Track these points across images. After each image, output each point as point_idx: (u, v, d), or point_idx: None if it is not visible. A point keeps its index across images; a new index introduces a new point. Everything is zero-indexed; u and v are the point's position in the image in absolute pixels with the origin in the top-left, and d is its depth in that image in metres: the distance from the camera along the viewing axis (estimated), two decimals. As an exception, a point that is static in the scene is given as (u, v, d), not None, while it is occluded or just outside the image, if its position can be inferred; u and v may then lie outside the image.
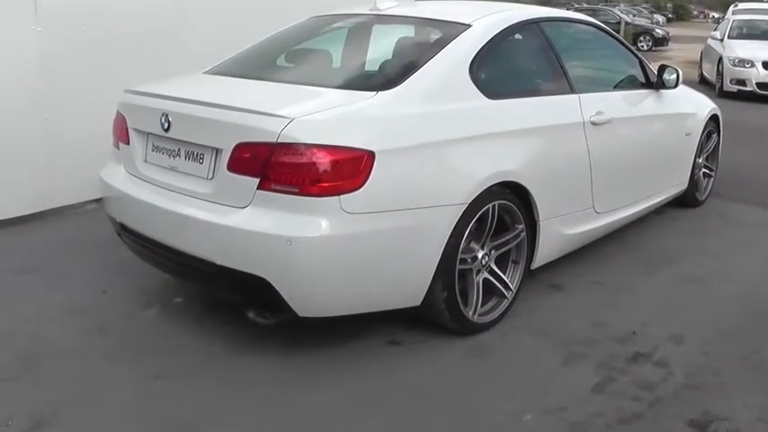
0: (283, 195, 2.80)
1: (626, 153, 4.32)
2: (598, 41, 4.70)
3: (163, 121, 3.16)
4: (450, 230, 3.11)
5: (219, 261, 2.94)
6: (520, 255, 3.57)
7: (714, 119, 5.56)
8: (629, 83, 4.74)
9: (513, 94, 3.64)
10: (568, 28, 4.58)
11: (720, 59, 12.67)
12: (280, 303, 2.90)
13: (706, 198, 5.64)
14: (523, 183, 3.44)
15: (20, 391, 2.87)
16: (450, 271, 3.16)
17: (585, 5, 34.67)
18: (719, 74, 12.64)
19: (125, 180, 3.46)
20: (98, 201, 4.29)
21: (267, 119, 2.86)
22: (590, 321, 3.55)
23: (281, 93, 3.34)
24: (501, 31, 3.70)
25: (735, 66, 12.23)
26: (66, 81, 4.93)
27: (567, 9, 16.18)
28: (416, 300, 3.15)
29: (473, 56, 3.45)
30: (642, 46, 24.15)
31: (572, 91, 3.96)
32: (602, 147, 4.00)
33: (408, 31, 4.10)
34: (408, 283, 3.11)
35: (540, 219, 3.60)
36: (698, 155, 5.32)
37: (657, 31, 26.82)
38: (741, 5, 17.66)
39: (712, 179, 5.75)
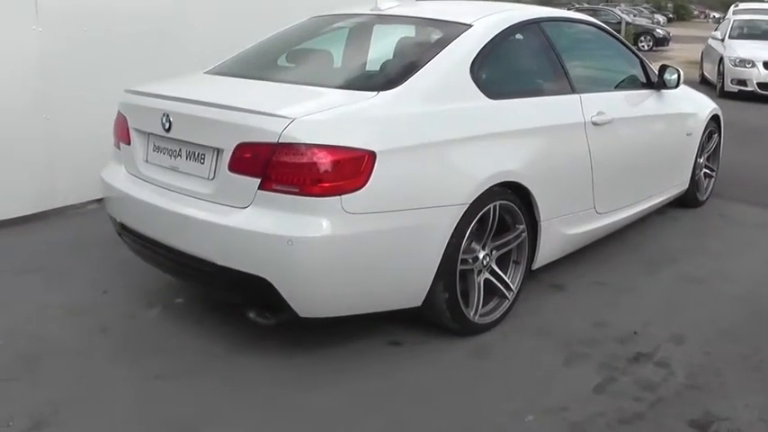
0: (284, 195, 2.80)
1: (627, 153, 4.32)
2: (599, 41, 4.69)
3: (164, 121, 3.16)
4: (452, 231, 3.11)
5: (220, 261, 2.94)
6: (521, 255, 3.57)
7: (715, 119, 5.56)
8: (630, 83, 4.73)
9: (514, 94, 3.64)
10: (569, 28, 4.58)
11: (721, 59, 12.66)
12: (280, 304, 2.90)
13: (707, 198, 5.64)
14: (524, 183, 3.44)
15: (20, 391, 2.87)
16: (452, 271, 3.16)
17: (586, 5, 34.67)
18: (720, 74, 12.63)
19: (126, 180, 3.46)
20: (99, 201, 4.29)
21: (268, 119, 2.86)
22: (591, 321, 3.55)
23: (282, 93, 3.34)
24: (502, 31, 3.70)
25: (735, 66, 12.23)
26: (67, 81, 4.93)
27: (568, 9, 16.18)
28: (417, 300, 3.15)
29: (474, 56, 3.45)
30: (643, 46, 24.14)
31: (573, 91, 3.96)
32: (604, 147, 4.00)
33: (409, 31, 4.10)
34: (409, 283, 3.11)
35: (542, 219, 3.60)
36: (699, 155, 5.32)
37: (658, 31, 26.82)
38: (742, 5, 17.65)
39: (713, 179, 5.74)
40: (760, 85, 11.97)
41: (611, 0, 43.78)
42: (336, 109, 3.00)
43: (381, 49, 3.95)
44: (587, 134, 3.90)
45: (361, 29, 4.19)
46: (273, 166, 2.81)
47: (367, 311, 3.07)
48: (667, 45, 25.45)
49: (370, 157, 2.84)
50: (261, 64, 3.88)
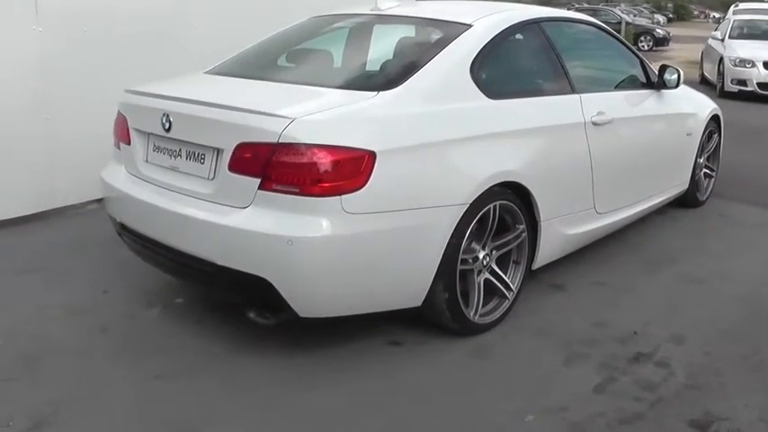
0: (284, 195, 2.80)
1: (627, 153, 4.32)
2: (599, 41, 4.69)
3: (164, 121, 3.16)
4: (452, 231, 3.11)
5: (220, 261, 2.94)
6: (521, 255, 3.57)
7: (715, 119, 5.56)
8: (630, 83, 4.73)
9: (514, 95, 3.64)
10: (569, 28, 4.58)
11: (721, 59, 12.66)
12: (280, 304, 2.90)
13: (707, 198, 5.64)
14: (524, 183, 3.44)
15: (20, 391, 2.87)
16: (452, 271, 3.16)
17: (586, 5, 34.66)
18: (720, 74, 12.63)
19: (126, 180, 3.46)
20: (99, 201, 4.29)
21: (268, 119, 2.86)
22: (591, 321, 3.55)
23: (282, 93, 3.34)
24: (502, 31, 3.70)
25: (736, 66, 12.22)
26: (67, 81, 4.93)
27: (568, 9, 16.18)
28: (417, 300, 3.15)
29: (474, 56, 3.45)
30: (643, 46, 24.14)
31: (573, 91, 3.96)
32: (604, 147, 4.00)
33: (409, 31, 4.10)
34: (409, 283, 3.11)
35: (542, 219, 3.60)
36: (699, 155, 5.32)
37: (658, 31, 26.82)
38: (742, 5, 17.64)
39: (713, 179, 5.74)
40: (760, 85, 11.96)
41: (611, 0, 43.78)
42: (336, 109, 3.00)
43: (381, 49, 3.95)
44: (587, 134, 3.90)
45: (362, 29, 4.19)
46: (273, 166, 2.81)
47: (367, 311, 3.07)
48: (667, 45, 25.46)
49: (370, 157, 2.84)
50: (261, 64, 3.88)
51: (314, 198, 2.78)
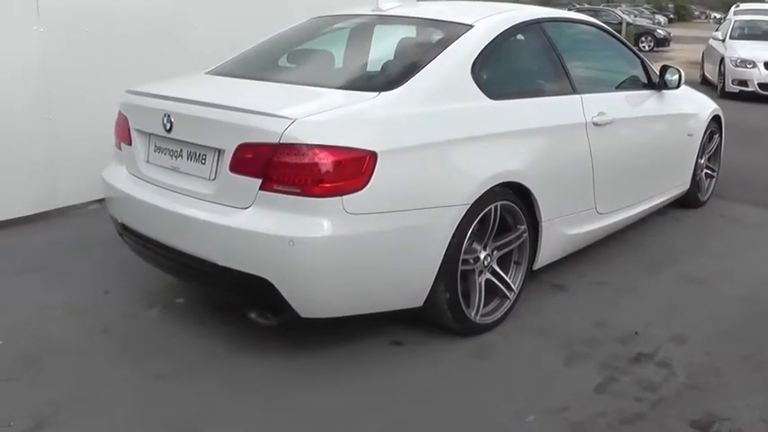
0: (286, 196, 2.80)
1: (628, 153, 4.32)
2: (600, 42, 4.70)
3: (165, 121, 3.16)
4: (453, 231, 3.11)
5: (221, 262, 2.94)
6: (522, 255, 3.57)
7: (716, 119, 5.56)
8: (631, 83, 4.73)
9: (515, 95, 3.64)
10: (570, 28, 4.58)
11: (722, 60, 12.66)
12: (282, 304, 2.90)
13: (708, 198, 5.63)
14: (526, 183, 3.44)
15: (21, 391, 2.87)
16: (453, 272, 3.16)
17: (587, 6, 34.68)
18: (721, 74, 12.63)
19: (127, 181, 3.46)
20: (100, 201, 4.30)
21: (269, 119, 2.86)
22: (592, 322, 3.55)
23: (284, 93, 3.34)
24: (503, 31, 3.70)
25: (736, 66, 12.22)
26: (68, 81, 4.93)
27: (569, 9, 16.19)
28: (419, 300, 3.15)
29: (475, 56, 3.45)
30: (644, 46, 24.13)
31: (574, 91, 3.96)
32: (605, 147, 4.00)
33: (410, 32, 4.10)
34: (411, 283, 3.11)
35: (543, 219, 3.60)
36: (700, 155, 5.32)
37: (659, 31, 26.82)
38: (743, 6, 17.64)
39: (714, 180, 5.74)
40: (761, 85, 11.96)
41: (612, 0, 43.77)
42: (337, 109, 3.00)
43: (382, 49, 3.95)
44: (588, 134, 3.90)
45: (363, 29, 4.19)
46: (275, 167, 2.81)
47: (368, 312, 3.07)
48: (668, 45, 25.45)
49: (372, 157, 2.84)
50: (262, 64, 3.89)
51: (315, 198, 2.78)
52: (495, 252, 3.42)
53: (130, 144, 3.45)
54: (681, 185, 5.16)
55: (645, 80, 4.75)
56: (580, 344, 3.32)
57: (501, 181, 3.30)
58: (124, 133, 3.50)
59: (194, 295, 3.71)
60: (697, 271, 4.27)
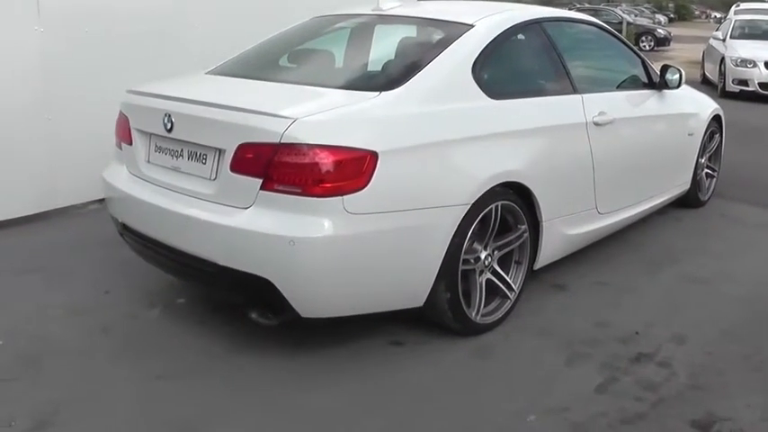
0: (286, 196, 2.80)
1: (629, 153, 4.31)
2: (600, 41, 4.69)
3: (166, 121, 3.16)
4: (454, 231, 3.10)
5: (222, 261, 2.94)
6: (523, 255, 3.57)
7: (717, 119, 5.56)
8: (631, 83, 4.73)
9: (515, 95, 3.64)
10: (571, 28, 4.58)
11: (722, 59, 12.65)
12: (282, 304, 2.90)
13: (708, 198, 5.63)
14: (526, 183, 3.44)
15: (22, 391, 2.87)
16: (454, 271, 3.15)
17: (587, 5, 34.64)
18: (722, 74, 12.63)
19: (128, 180, 3.46)
20: (101, 201, 4.30)
21: (270, 119, 2.86)
22: (593, 322, 3.55)
23: (284, 93, 3.34)
24: (504, 31, 3.70)
25: (737, 66, 12.22)
26: (69, 81, 4.94)
27: (570, 9, 16.17)
28: (419, 300, 3.14)
29: (476, 56, 3.45)
30: (644, 46, 24.14)
31: (575, 91, 3.96)
32: (605, 147, 3.99)
33: (411, 32, 4.10)
34: (411, 283, 3.11)
35: (543, 219, 3.60)
36: (700, 155, 5.32)
37: (659, 31, 26.82)
38: (743, 5, 17.63)
39: (715, 179, 5.74)
40: (761, 85, 11.96)
41: (613, 0, 43.76)
42: (338, 109, 3.00)
43: (383, 49, 3.95)
44: (589, 134, 3.90)
45: (363, 29, 4.19)
46: (275, 167, 2.81)
47: (369, 312, 3.06)
48: (668, 45, 25.46)
49: (372, 157, 2.84)
50: (262, 64, 3.88)
51: (316, 198, 2.77)
52: (495, 252, 3.41)
53: (131, 144, 3.45)
54: (681, 185, 5.16)
55: (645, 80, 4.75)
56: (581, 344, 3.32)
57: (502, 181, 3.30)
58: (125, 133, 3.49)
59: (195, 295, 3.71)
60: (698, 271, 4.26)
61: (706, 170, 5.55)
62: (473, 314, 3.31)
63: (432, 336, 3.33)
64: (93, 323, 3.43)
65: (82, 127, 4.94)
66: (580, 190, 3.93)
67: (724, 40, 13.48)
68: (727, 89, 12.24)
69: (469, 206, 3.14)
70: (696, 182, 5.33)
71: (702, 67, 15.00)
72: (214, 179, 3.03)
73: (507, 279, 3.48)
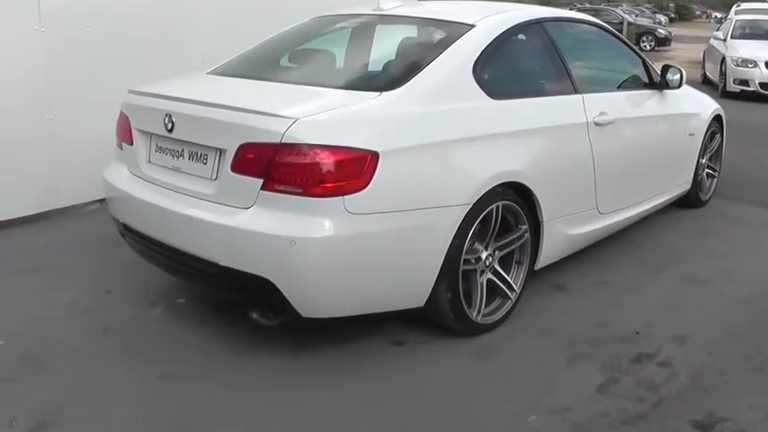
0: (287, 196, 2.80)
1: (629, 153, 4.31)
2: (601, 42, 4.69)
3: (166, 121, 3.16)
4: (454, 231, 3.10)
5: (223, 262, 2.94)
6: (523, 255, 3.57)
7: (717, 119, 5.56)
8: (632, 83, 4.73)
9: (516, 95, 3.64)
10: (571, 28, 4.58)
11: (723, 59, 12.66)
12: (283, 304, 2.90)
13: (709, 198, 5.63)
14: (527, 183, 3.43)
15: (22, 391, 2.87)
16: (454, 272, 3.15)
17: (588, 6, 34.67)
18: (722, 74, 12.63)
19: (128, 180, 3.46)
20: (102, 201, 4.30)
21: (271, 119, 2.86)
22: (594, 322, 3.55)
23: (285, 93, 3.34)
24: (504, 31, 3.70)
25: (738, 66, 12.22)
26: (70, 81, 4.93)
27: (570, 9, 16.18)
28: (420, 300, 3.14)
29: (476, 56, 3.45)
30: (645, 46, 24.15)
31: (575, 91, 3.96)
32: (606, 147, 3.99)
33: (412, 32, 4.10)
34: (412, 283, 3.11)
35: (544, 219, 3.59)
36: (701, 155, 5.31)
37: (660, 31, 26.82)
38: (744, 5, 17.63)
39: (716, 179, 5.74)
40: (762, 85, 11.97)
41: (613, 0, 43.75)
42: (339, 109, 3.00)
43: (384, 49, 3.95)
44: (590, 134, 3.90)
45: (364, 29, 4.19)
46: (276, 167, 2.81)
47: (369, 312, 3.06)
48: (669, 45, 25.47)
49: (373, 157, 2.84)
50: (263, 64, 3.88)
51: (317, 198, 2.77)
52: (496, 252, 3.41)
53: (132, 144, 3.45)
54: (682, 185, 5.16)
55: (646, 80, 4.75)
56: (582, 344, 3.32)
57: (502, 181, 3.30)
58: (125, 133, 3.50)
59: (196, 295, 3.71)
60: (699, 271, 4.26)
61: (707, 170, 5.55)
62: (474, 314, 3.31)
63: (432, 336, 3.33)
64: (95, 323, 3.43)
65: (82, 127, 4.94)
66: (581, 190, 3.92)
67: (725, 40, 13.48)
68: (727, 89, 12.24)
69: (470, 206, 3.14)
70: (697, 182, 5.33)
71: (703, 67, 15.00)
72: (215, 179, 3.03)
73: (508, 279, 3.48)
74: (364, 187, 2.82)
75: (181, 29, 5.55)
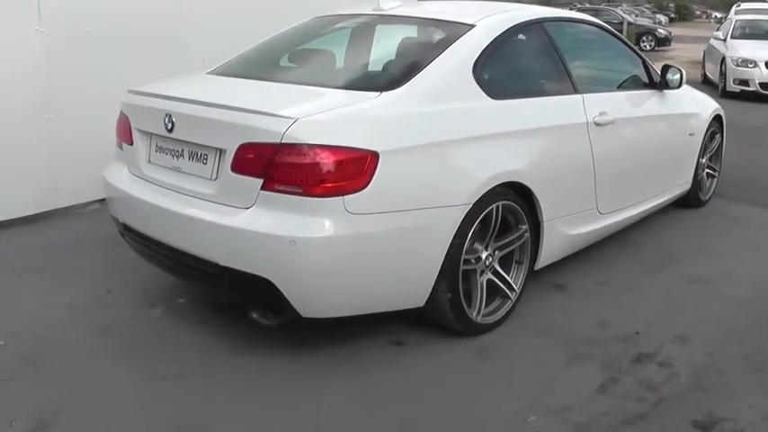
0: (287, 196, 2.80)
1: (629, 153, 4.31)
2: (601, 41, 4.69)
3: (166, 121, 3.16)
4: (454, 231, 3.10)
5: (223, 262, 2.94)
6: (523, 255, 3.57)
7: (717, 119, 5.56)
8: (632, 83, 4.73)
9: (516, 95, 3.64)
10: (572, 28, 4.58)
11: (723, 59, 12.66)
12: (283, 304, 2.90)
13: (709, 198, 5.63)
14: (527, 183, 3.43)
15: (22, 391, 2.87)
16: (454, 272, 3.15)
17: (588, 5, 34.66)
18: (722, 74, 12.63)
19: (128, 180, 3.46)
20: (102, 201, 4.30)
21: (271, 119, 2.86)
22: (594, 322, 3.55)
23: (285, 93, 3.34)
24: (504, 31, 3.70)
25: (738, 66, 12.22)
26: (70, 81, 4.93)
27: (570, 9, 16.18)
28: (420, 300, 3.14)
29: (476, 56, 3.45)
30: (645, 46, 24.15)
31: (575, 91, 3.96)
32: (606, 147, 3.99)
33: (412, 32, 4.10)
34: (412, 283, 3.11)
35: (544, 219, 3.59)
36: (701, 155, 5.31)
37: (660, 31, 26.83)
38: (744, 5, 17.64)
39: (716, 179, 5.74)
40: (762, 85, 11.97)
41: (613, 0, 43.75)
42: (339, 109, 3.00)
43: (384, 49, 3.95)
44: (590, 134, 3.90)
45: (364, 29, 4.19)
46: (276, 167, 2.81)
47: (369, 312, 3.06)
48: (669, 45, 25.47)
49: (373, 157, 2.84)
50: (263, 64, 3.88)
51: (317, 198, 2.78)
52: (496, 252, 3.41)
53: (132, 144, 3.45)
54: (682, 185, 5.16)
55: (646, 80, 4.75)
56: (582, 344, 3.32)
57: (502, 181, 3.30)
58: (125, 133, 3.50)
59: (196, 295, 3.71)
60: (698, 271, 4.26)
61: (707, 170, 5.55)
62: (474, 314, 3.31)
63: (432, 336, 3.33)
64: (95, 323, 3.43)
65: (82, 127, 4.94)
66: (581, 190, 3.92)
67: (725, 40, 13.49)
68: (727, 89, 12.25)
69: (470, 206, 3.14)
70: (697, 182, 5.33)
71: (703, 67, 15.00)
72: (215, 179, 3.03)
73: (508, 279, 3.48)
74: (364, 187, 2.82)
75: (181, 29, 5.55)
